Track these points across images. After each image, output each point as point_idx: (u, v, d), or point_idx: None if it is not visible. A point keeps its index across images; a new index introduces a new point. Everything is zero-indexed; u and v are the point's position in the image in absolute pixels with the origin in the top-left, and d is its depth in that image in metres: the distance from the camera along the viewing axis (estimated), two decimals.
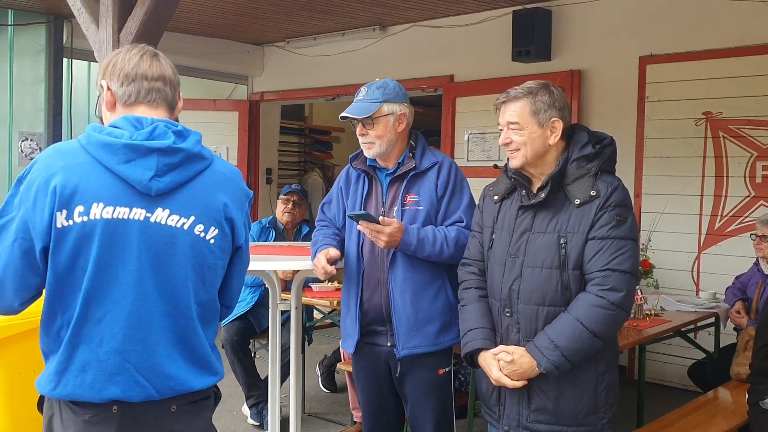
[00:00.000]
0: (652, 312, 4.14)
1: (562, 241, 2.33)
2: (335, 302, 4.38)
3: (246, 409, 4.84)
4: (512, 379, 2.36)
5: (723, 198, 5.41)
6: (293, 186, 5.34)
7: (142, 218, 1.75)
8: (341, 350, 4.68)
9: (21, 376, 3.38)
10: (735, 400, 3.91)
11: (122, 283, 1.75)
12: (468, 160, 6.52)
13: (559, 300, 2.34)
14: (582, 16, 6.01)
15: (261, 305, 4.85)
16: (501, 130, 2.46)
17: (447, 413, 2.90)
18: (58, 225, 1.70)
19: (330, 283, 4.66)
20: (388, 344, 2.86)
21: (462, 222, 2.81)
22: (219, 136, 8.00)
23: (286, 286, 4.33)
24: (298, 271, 3.59)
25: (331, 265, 2.86)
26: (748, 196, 5.30)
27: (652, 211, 5.61)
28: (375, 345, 2.91)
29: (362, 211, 2.84)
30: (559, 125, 2.39)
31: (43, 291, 1.82)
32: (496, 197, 2.53)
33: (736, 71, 5.29)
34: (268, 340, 3.75)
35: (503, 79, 6.11)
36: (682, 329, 4.31)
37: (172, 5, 4.01)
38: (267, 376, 3.84)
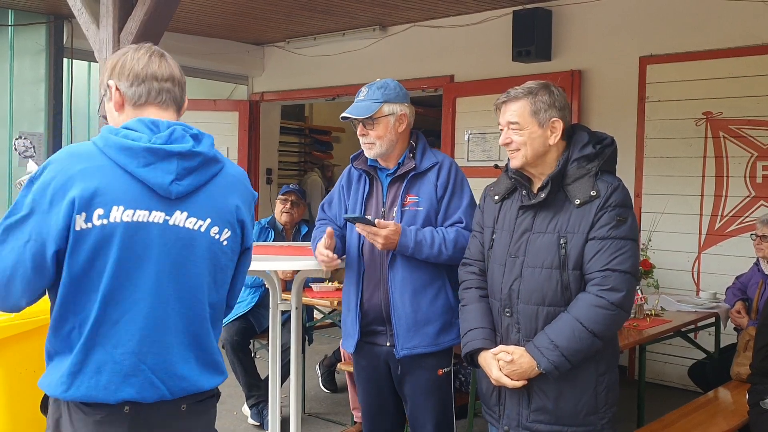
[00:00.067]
0: (653, 312, 4.14)
1: (562, 241, 2.33)
2: (335, 302, 4.38)
3: (246, 409, 4.84)
4: (512, 379, 2.36)
5: (723, 198, 5.41)
6: (291, 186, 5.34)
7: (161, 221, 1.76)
8: (341, 350, 4.68)
9: (21, 376, 3.38)
10: (735, 400, 3.91)
11: (141, 286, 1.76)
12: (468, 160, 6.52)
13: (559, 300, 2.34)
14: (582, 16, 6.01)
15: (261, 305, 4.85)
16: (501, 130, 2.46)
17: (447, 413, 2.90)
18: (77, 228, 1.69)
19: (330, 284, 4.67)
20: (388, 344, 2.86)
21: (461, 223, 2.80)
22: (219, 137, 7.98)
23: (287, 286, 4.33)
24: (299, 271, 3.59)
25: (332, 252, 2.86)
26: (748, 196, 5.30)
27: (652, 211, 5.61)
28: (375, 345, 2.91)
29: (357, 214, 2.84)
30: (560, 125, 2.39)
31: (45, 291, 1.82)
32: (496, 197, 2.53)
33: (737, 71, 5.29)
34: (268, 340, 3.75)
35: (503, 79, 6.12)
36: (683, 329, 4.31)
37: (172, 5, 4.01)
38: (267, 376, 3.84)
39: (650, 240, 4.83)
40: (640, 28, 5.73)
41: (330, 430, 4.77)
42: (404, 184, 2.85)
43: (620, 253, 2.30)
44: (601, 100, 5.97)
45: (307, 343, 5.09)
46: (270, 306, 3.64)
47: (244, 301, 4.89)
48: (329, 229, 2.88)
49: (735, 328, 4.61)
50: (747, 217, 5.29)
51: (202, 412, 1.90)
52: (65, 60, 7.27)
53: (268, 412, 3.95)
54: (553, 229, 2.36)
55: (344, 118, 2.86)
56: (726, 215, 5.40)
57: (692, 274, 5.54)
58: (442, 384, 2.88)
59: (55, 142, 7.19)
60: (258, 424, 4.71)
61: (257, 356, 5.57)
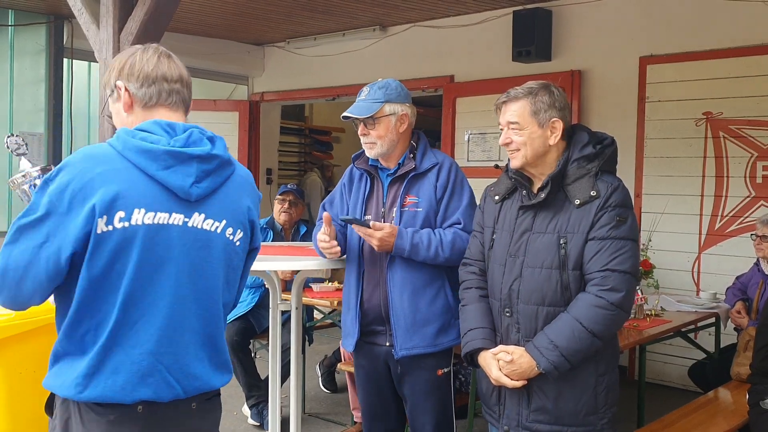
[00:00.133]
0: (653, 312, 4.14)
1: (562, 242, 2.33)
2: (335, 302, 4.38)
3: (246, 410, 4.84)
4: (512, 379, 2.36)
5: (723, 198, 5.41)
6: (289, 186, 5.35)
7: (180, 223, 1.79)
8: (341, 350, 4.68)
9: (21, 376, 3.38)
10: (735, 400, 3.91)
11: (160, 287, 1.77)
12: (468, 161, 6.52)
13: (559, 300, 2.34)
14: (582, 16, 6.01)
15: (261, 306, 4.85)
16: (501, 130, 2.46)
17: (447, 413, 2.90)
18: (98, 231, 1.70)
19: (330, 284, 4.67)
20: (387, 344, 2.86)
21: (460, 224, 2.80)
22: None
23: (287, 286, 4.33)
24: (298, 271, 3.59)
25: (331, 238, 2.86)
26: (748, 197, 5.30)
27: (652, 212, 5.61)
28: (375, 345, 2.91)
29: (351, 216, 2.85)
30: (560, 125, 2.39)
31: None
32: (497, 197, 2.53)
33: (737, 71, 5.29)
34: (268, 340, 3.76)
35: (503, 79, 6.12)
36: (683, 329, 4.31)
37: (172, 5, 4.01)
38: (267, 377, 3.84)
39: (650, 240, 4.83)
40: (640, 28, 5.73)
41: (330, 430, 4.77)
42: (404, 184, 2.84)
43: (620, 253, 2.30)
44: (601, 100, 5.97)
45: (307, 343, 5.09)
46: (270, 306, 3.64)
47: (244, 302, 4.89)
48: (326, 214, 2.88)
49: (735, 329, 4.61)
50: (747, 217, 5.29)
51: (211, 410, 1.93)
52: (65, 60, 7.27)
53: (268, 412, 3.95)
54: (553, 229, 2.36)
55: (345, 117, 2.86)
56: (726, 215, 5.40)
57: (692, 274, 5.54)
58: (441, 384, 2.88)
59: (55, 142, 7.20)
60: (258, 424, 4.71)
61: (257, 356, 5.58)
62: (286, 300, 3.69)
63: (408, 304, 2.80)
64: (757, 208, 5.24)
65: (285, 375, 4.23)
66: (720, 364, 4.52)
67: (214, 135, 1.87)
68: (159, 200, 1.75)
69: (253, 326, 4.90)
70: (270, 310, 3.64)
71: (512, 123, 2.40)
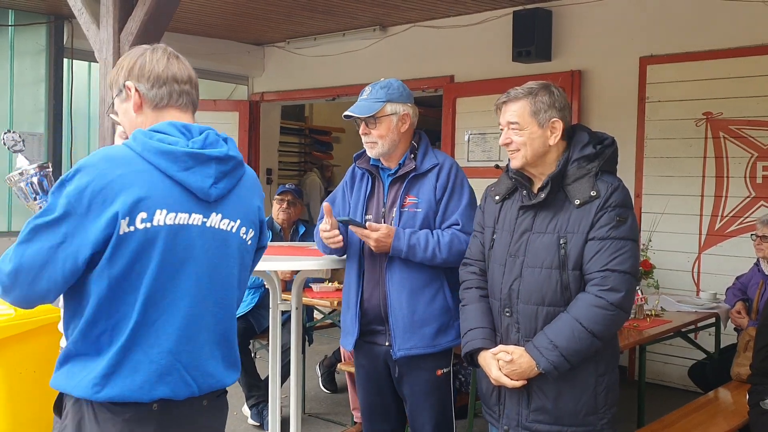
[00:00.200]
0: (653, 312, 4.14)
1: (561, 242, 2.33)
2: (335, 302, 4.38)
3: (246, 410, 4.84)
4: (511, 379, 2.36)
5: (723, 198, 5.41)
6: (287, 186, 5.36)
7: (199, 223, 1.81)
8: (341, 350, 4.68)
9: (21, 376, 3.38)
10: (735, 400, 3.91)
11: (180, 287, 1.79)
12: (468, 161, 6.52)
13: (559, 300, 2.34)
14: (582, 16, 6.01)
15: (261, 306, 4.85)
16: (502, 130, 2.46)
17: (446, 413, 2.90)
18: (121, 232, 1.70)
19: (330, 284, 4.67)
20: (387, 344, 2.86)
21: (458, 225, 2.80)
22: None
23: (287, 286, 4.33)
24: (298, 271, 3.59)
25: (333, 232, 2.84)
26: (748, 197, 5.30)
27: (652, 212, 5.61)
28: (375, 344, 2.91)
29: (347, 217, 2.85)
30: (559, 125, 2.39)
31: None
32: (497, 197, 2.53)
33: (737, 71, 5.29)
34: (268, 340, 3.75)
35: (504, 79, 6.11)
36: (683, 330, 4.30)
37: (172, 5, 4.01)
38: (267, 377, 3.84)
39: (650, 240, 4.83)
40: (641, 28, 5.73)
41: (330, 430, 4.77)
42: (404, 184, 2.84)
43: (620, 253, 2.30)
44: (602, 100, 5.97)
45: (307, 343, 5.09)
46: (270, 306, 3.64)
47: (244, 302, 4.89)
48: (326, 204, 2.89)
49: (735, 329, 4.61)
50: (747, 217, 5.29)
51: (220, 407, 1.97)
52: (65, 60, 7.27)
53: (268, 412, 3.95)
54: (553, 229, 2.36)
55: (347, 116, 2.86)
56: (726, 216, 5.40)
57: (692, 274, 5.54)
58: (441, 384, 2.88)
59: (55, 142, 7.20)
60: (258, 424, 4.71)
61: (257, 356, 5.58)
62: (286, 300, 3.69)
63: (406, 304, 2.80)
64: (757, 209, 5.24)
65: (285, 375, 4.23)
66: (720, 365, 4.52)
67: (226, 136, 1.90)
68: (179, 201, 1.77)
69: (253, 326, 4.90)
70: (270, 310, 3.64)
71: (512, 123, 2.41)
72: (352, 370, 3.92)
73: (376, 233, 2.74)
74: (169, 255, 1.76)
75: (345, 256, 3.03)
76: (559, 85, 2.50)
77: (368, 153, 2.88)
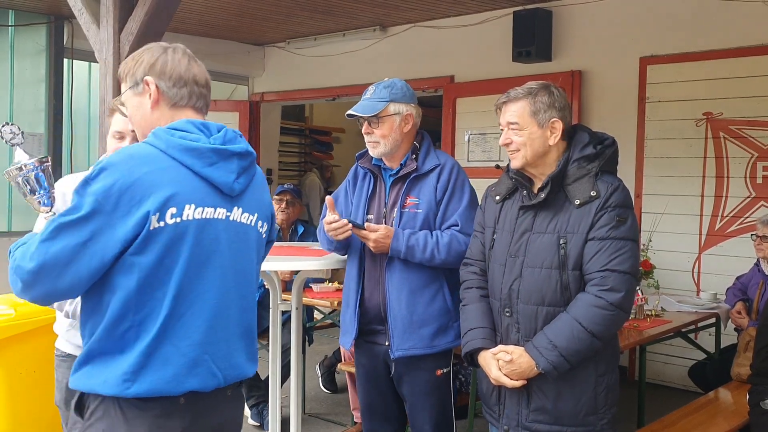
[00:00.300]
0: (653, 312, 4.14)
1: (561, 242, 2.33)
2: (336, 303, 4.38)
3: (246, 410, 4.83)
4: (511, 379, 2.36)
5: (723, 198, 5.41)
6: (286, 185, 5.35)
7: (224, 217, 1.86)
8: (341, 350, 4.68)
9: (21, 376, 3.38)
10: (736, 400, 3.91)
11: (207, 280, 1.83)
12: (468, 161, 6.52)
13: (559, 300, 2.34)
14: (582, 16, 6.01)
15: (261, 306, 4.85)
16: (502, 130, 2.46)
17: (446, 413, 2.90)
18: (151, 227, 1.72)
19: (330, 284, 4.67)
20: (387, 344, 2.86)
21: (457, 226, 2.80)
22: None
23: (287, 286, 4.33)
24: (298, 271, 3.59)
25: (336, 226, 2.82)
26: (748, 197, 5.30)
27: (652, 212, 5.61)
28: (375, 344, 2.91)
29: (346, 218, 2.84)
30: (559, 126, 2.39)
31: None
32: (497, 197, 2.53)
33: (737, 72, 5.29)
34: (268, 340, 3.76)
35: (504, 79, 6.11)
36: (683, 330, 4.30)
37: (172, 5, 4.01)
38: (267, 377, 3.84)
39: (650, 240, 4.83)
40: (641, 28, 5.73)
41: (330, 430, 4.77)
42: (405, 185, 2.85)
43: (620, 253, 2.30)
44: (602, 100, 5.97)
45: (307, 343, 5.09)
46: (270, 306, 3.64)
47: None
48: (329, 198, 2.89)
49: (735, 329, 4.61)
50: (747, 217, 5.29)
51: (240, 397, 2.02)
52: (65, 60, 7.27)
53: (268, 412, 3.95)
54: (553, 230, 2.36)
55: (350, 115, 2.86)
56: (726, 216, 5.40)
57: (692, 274, 5.54)
58: (440, 384, 2.88)
59: (55, 142, 7.20)
60: (258, 424, 4.71)
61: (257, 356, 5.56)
62: (286, 300, 3.69)
63: (405, 304, 2.80)
64: (757, 209, 5.24)
65: (285, 375, 4.23)
66: (720, 365, 4.52)
67: (240, 132, 1.96)
68: (205, 196, 1.82)
69: None
70: (270, 311, 3.64)
71: (512, 123, 2.41)
72: (352, 370, 3.92)
73: (374, 234, 2.75)
74: (197, 249, 1.80)
75: (345, 257, 3.03)
76: (559, 85, 2.50)
77: (370, 152, 2.88)
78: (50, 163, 2.26)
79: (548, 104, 2.38)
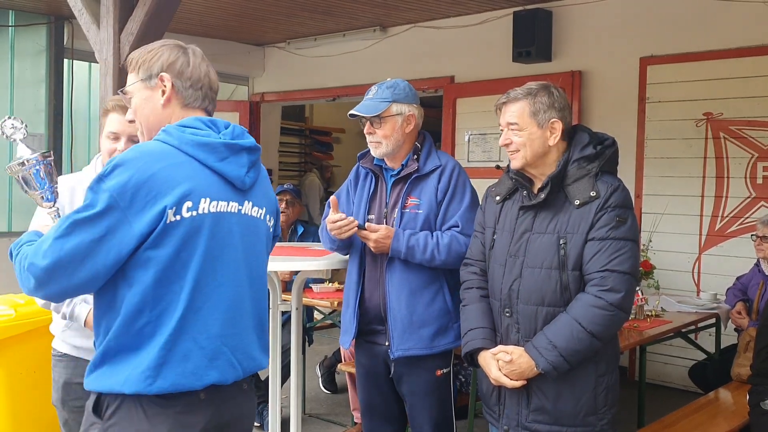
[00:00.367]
0: (653, 313, 4.14)
1: (561, 242, 2.33)
2: (335, 303, 4.38)
3: None
4: (511, 379, 2.36)
5: (723, 199, 5.41)
6: (285, 186, 5.35)
7: (236, 210, 1.89)
8: (341, 350, 4.68)
9: (21, 376, 3.38)
10: (736, 401, 3.91)
11: (222, 272, 1.84)
12: (468, 161, 6.52)
13: (558, 300, 2.34)
14: (582, 17, 6.01)
15: None
16: (502, 130, 2.46)
17: (446, 414, 2.90)
18: (168, 221, 1.74)
19: (330, 284, 4.67)
20: (386, 344, 2.87)
21: (457, 227, 2.80)
22: None
23: (286, 286, 4.33)
24: (298, 271, 3.59)
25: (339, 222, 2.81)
26: (748, 197, 5.30)
27: (652, 212, 5.61)
28: (374, 344, 2.92)
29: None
30: (559, 126, 2.39)
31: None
32: (497, 198, 2.53)
33: (737, 72, 5.29)
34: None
35: (504, 80, 6.11)
36: (683, 330, 4.30)
37: (172, 6, 4.01)
38: (267, 377, 3.84)
39: (651, 241, 4.83)
40: (641, 28, 5.73)
41: (330, 430, 4.77)
42: (406, 185, 2.85)
43: (620, 253, 2.29)
44: (602, 101, 5.97)
45: (307, 343, 5.09)
46: (270, 306, 3.63)
47: None
48: (333, 198, 2.89)
49: (735, 329, 4.60)
50: (747, 218, 5.29)
51: (253, 390, 2.03)
52: (66, 61, 7.27)
53: (268, 412, 3.95)
54: (553, 230, 2.36)
55: (352, 115, 2.86)
56: (726, 216, 5.40)
57: (693, 274, 5.54)
58: (440, 384, 2.88)
59: (56, 143, 7.19)
60: (258, 424, 4.71)
61: None
62: (286, 300, 3.69)
63: (405, 305, 2.80)
64: (757, 209, 5.24)
65: (285, 375, 4.23)
66: (720, 365, 4.52)
67: (245, 129, 1.99)
68: (219, 189, 1.85)
69: None
70: (270, 311, 3.64)
71: (512, 124, 2.41)
72: (352, 370, 3.92)
73: (375, 234, 2.75)
74: (213, 242, 1.82)
75: (345, 257, 3.03)
76: (559, 85, 2.50)
77: (372, 153, 2.88)
78: (53, 158, 2.24)
79: (548, 105, 2.38)
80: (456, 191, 2.84)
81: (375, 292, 2.88)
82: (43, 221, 2.35)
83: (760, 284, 4.49)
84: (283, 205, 5.13)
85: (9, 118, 2.23)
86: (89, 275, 1.73)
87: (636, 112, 5.75)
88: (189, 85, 1.91)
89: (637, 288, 3.91)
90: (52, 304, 2.50)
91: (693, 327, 4.57)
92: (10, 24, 7.02)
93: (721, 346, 4.73)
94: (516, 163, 2.43)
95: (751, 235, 4.66)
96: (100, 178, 1.74)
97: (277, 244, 4.21)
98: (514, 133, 2.40)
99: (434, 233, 2.80)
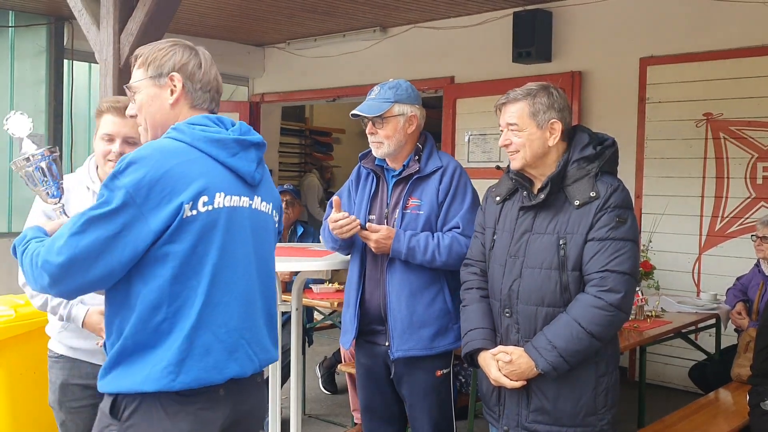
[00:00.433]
0: (653, 313, 4.14)
1: (561, 242, 2.33)
2: (335, 303, 4.38)
3: None
4: (511, 380, 2.36)
5: (723, 199, 5.41)
6: (285, 186, 5.35)
7: (247, 205, 1.92)
8: (341, 351, 4.68)
9: (21, 377, 3.38)
10: (736, 401, 3.91)
11: (236, 266, 1.87)
12: (468, 162, 6.52)
13: (558, 301, 2.34)
14: (582, 17, 6.01)
15: None
16: (502, 131, 2.46)
17: (446, 414, 2.90)
18: (184, 216, 1.76)
19: (330, 285, 4.67)
20: (387, 344, 2.86)
21: (458, 228, 2.80)
22: None
23: (286, 287, 4.33)
24: (298, 272, 3.58)
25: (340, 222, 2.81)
26: (748, 198, 5.30)
27: (652, 213, 5.61)
28: (375, 344, 2.92)
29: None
30: (558, 126, 2.39)
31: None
32: (498, 198, 2.53)
33: (737, 72, 5.29)
34: None
35: (504, 80, 6.12)
36: (683, 330, 4.30)
37: (172, 6, 4.01)
38: (267, 378, 3.84)
39: (651, 241, 4.83)
40: (641, 29, 5.73)
41: (330, 431, 4.76)
42: (407, 186, 2.85)
43: (619, 254, 2.29)
44: (602, 101, 5.97)
45: (307, 344, 5.09)
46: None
47: None
48: (336, 197, 2.88)
49: (735, 330, 4.60)
50: (747, 218, 5.29)
51: (264, 383, 2.07)
52: (65, 61, 7.27)
53: (268, 413, 3.94)
54: (553, 230, 2.36)
55: (354, 115, 2.86)
56: (726, 216, 5.40)
57: (693, 275, 5.54)
58: (440, 385, 2.88)
59: (55, 143, 7.19)
60: None
61: None
62: (286, 301, 3.69)
63: (405, 305, 2.80)
64: (757, 209, 5.23)
65: (285, 376, 4.23)
66: (720, 366, 4.52)
67: (250, 126, 2.02)
68: (232, 184, 1.87)
69: None
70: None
71: (511, 124, 2.41)
72: (352, 371, 3.92)
73: (375, 234, 2.75)
74: (228, 236, 1.84)
75: (346, 257, 3.03)
76: (559, 86, 2.50)
77: (374, 153, 2.88)
78: (58, 153, 2.23)
79: (547, 105, 2.38)
80: (457, 192, 2.83)
81: (375, 293, 2.88)
82: (43, 217, 2.35)
83: (760, 285, 4.48)
84: (283, 205, 5.12)
85: (15, 113, 2.21)
86: (104, 272, 1.73)
87: (636, 112, 5.75)
88: (199, 87, 1.93)
89: (637, 288, 3.91)
90: (49, 306, 2.49)
91: (693, 327, 4.57)
92: (10, 24, 7.02)
93: (721, 347, 4.73)
94: (516, 164, 2.43)
95: (751, 235, 4.65)
96: (115, 176, 1.75)
97: (277, 244, 4.21)
98: (513, 133, 2.40)
99: (435, 234, 2.80)
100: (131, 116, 2.00)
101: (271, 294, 2.03)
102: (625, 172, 5.17)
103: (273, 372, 3.65)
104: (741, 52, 5.26)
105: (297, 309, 3.55)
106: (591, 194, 2.33)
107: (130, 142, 2.47)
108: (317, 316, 5.42)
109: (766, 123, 5.20)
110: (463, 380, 3.94)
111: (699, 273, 5.51)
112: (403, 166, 2.87)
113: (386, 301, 2.83)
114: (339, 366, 4.63)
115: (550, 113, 2.38)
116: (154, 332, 1.76)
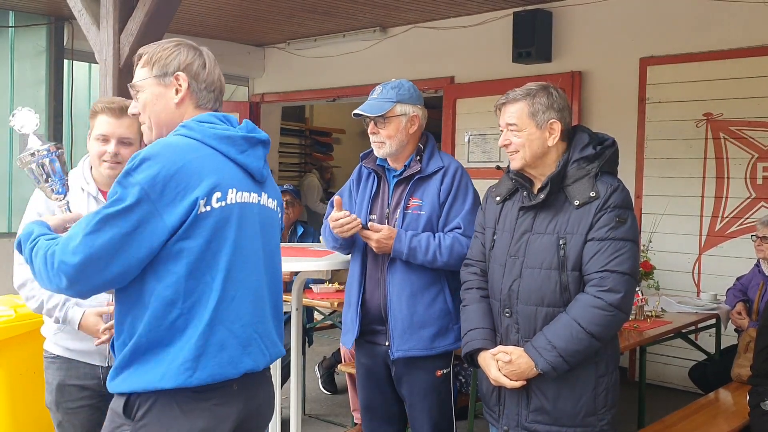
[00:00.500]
0: (653, 313, 4.14)
1: (561, 242, 2.33)
2: (335, 303, 4.38)
3: None
4: (510, 379, 2.36)
5: (724, 199, 5.40)
6: (285, 186, 5.35)
7: (256, 201, 1.95)
8: (341, 351, 4.68)
9: (21, 377, 3.39)
10: (736, 401, 3.91)
11: (247, 261, 1.89)
12: (468, 162, 6.52)
13: (558, 301, 2.34)
14: (582, 17, 6.01)
15: None
16: (502, 131, 2.46)
17: (446, 414, 2.90)
18: (199, 212, 1.77)
19: (330, 285, 4.67)
20: (387, 344, 2.86)
21: (460, 228, 2.80)
22: None
23: (286, 287, 4.32)
24: (298, 272, 3.58)
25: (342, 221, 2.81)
26: (748, 198, 5.30)
27: (652, 213, 5.61)
28: (375, 344, 2.92)
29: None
30: (558, 127, 2.39)
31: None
32: (498, 198, 2.53)
33: (737, 73, 5.29)
34: None
35: (504, 80, 6.12)
36: (683, 330, 4.30)
37: (172, 6, 4.01)
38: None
39: (651, 241, 4.83)
40: (641, 29, 5.73)
41: (330, 431, 4.76)
42: (408, 186, 2.85)
43: (619, 254, 2.29)
44: (602, 101, 5.97)
45: (307, 344, 5.09)
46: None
47: None
48: (337, 197, 2.88)
49: (735, 330, 4.60)
50: (747, 218, 5.29)
51: (271, 378, 2.07)
52: (65, 61, 7.27)
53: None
54: (553, 230, 2.36)
55: (356, 114, 2.86)
56: (726, 216, 5.39)
57: (693, 275, 5.54)
58: (440, 385, 2.88)
59: (56, 143, 7.19)
60: None
61: None
62: (286, 301, 3.68)
63: (406, 305, 2.80)
64: (757, 209, 5.23)
65: (285, 376, 4.23)
66: (721, 366, 4.52)
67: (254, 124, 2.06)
68: (242, 180, 1.90)
69: None
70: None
71: (511, 125, 2.41)
72: (352, 371, 3.92)
73: (377, 234, 2.75)
74: (240, 231, 1.86)
75: (345, 258, 3.03)
76: (559, 86, 2.50)
77: (375, 153, 2.88)
78: (63, 150, 2.22)
79: (547, 105, 2.38)
80: (458, 193, 2.83)
81: (376, 293, 2.87)
82: (44, 212, 2.34)
83: (760, 285, 4.48)
84: (284, 205, 5.12)
85: (21, 109, 2.20)
86: (121, 270, 1.73)
87: (636, 112, 5.75)
88: (204, 87, 1.95)
89: (637, 288, 3.91)
90: (45, 309, 2.48)
91: (693, 327, 4.56)
92: (10, 25, 7.02)
93: (721, 347, 4.73)
94: (515, 164, 2.43)
95: (751, 235, 4.65)
96: (128, 173, 1.75)
97: None
98: (513, 133, 2.41)
99: (436, 235, 2.80)
100: (133, 114, 1.99)
101: (278, 288, 2.05)
102: (625, 172, 5.17)
103: (273, 372, 3.65)
104: (741, 52, 5.26)
105: (297, 309, 3.55)
106: (591, 194, 2.33)
107: (125, 142, 2.47)
108: (317, 316, 5.42)
109: (766, 123, 5.20)
110: (463, 380, 3.94)
111: (699, 273, 5.51)
112: (405, 166, 2.87)
113: (387, 301, 2.83)
114: (339, 366, 4.63)
115: (549, 113, 2.38)
116: (169, 329, 1.76)
